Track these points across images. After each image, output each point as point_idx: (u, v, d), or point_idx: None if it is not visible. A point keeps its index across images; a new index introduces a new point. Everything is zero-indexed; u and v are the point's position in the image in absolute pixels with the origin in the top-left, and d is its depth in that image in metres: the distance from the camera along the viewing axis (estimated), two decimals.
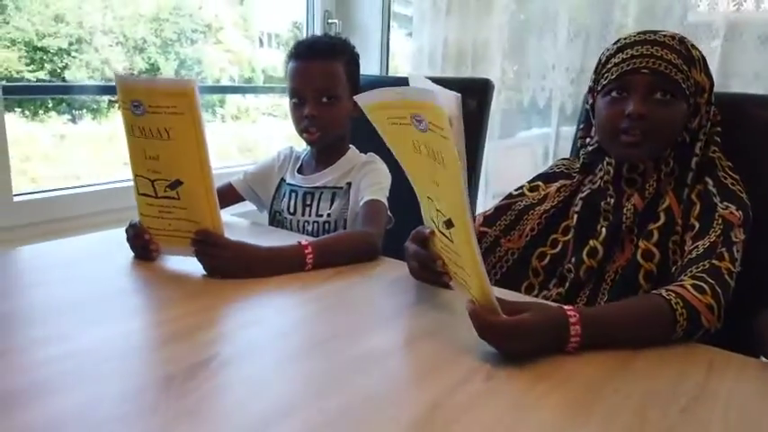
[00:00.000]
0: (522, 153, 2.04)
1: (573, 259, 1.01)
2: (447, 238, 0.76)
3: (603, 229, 1.00)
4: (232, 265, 0.97)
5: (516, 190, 1.15)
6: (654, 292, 0.83)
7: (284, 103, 2.61)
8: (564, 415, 0.63)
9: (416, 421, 0.61)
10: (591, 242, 1.01)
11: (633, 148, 0.96)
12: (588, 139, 1.09)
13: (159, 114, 0.93)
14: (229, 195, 1.34)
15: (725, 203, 0.93)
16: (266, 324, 0.84)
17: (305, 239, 1.05)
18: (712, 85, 1.00)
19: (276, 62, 2.68)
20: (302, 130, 1.26)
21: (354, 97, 0.81)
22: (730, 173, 0.99)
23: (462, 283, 0.79)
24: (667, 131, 0.97)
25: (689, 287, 0.81)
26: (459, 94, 0.64)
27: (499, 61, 1.81)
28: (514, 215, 1.11)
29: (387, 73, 2.24)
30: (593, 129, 1.07)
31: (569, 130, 1.71)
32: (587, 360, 0.74)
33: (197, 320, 0.83)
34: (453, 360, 0.73)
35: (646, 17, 1.60)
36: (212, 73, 2.60)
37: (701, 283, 0.82)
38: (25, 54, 2.04)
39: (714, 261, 0.86)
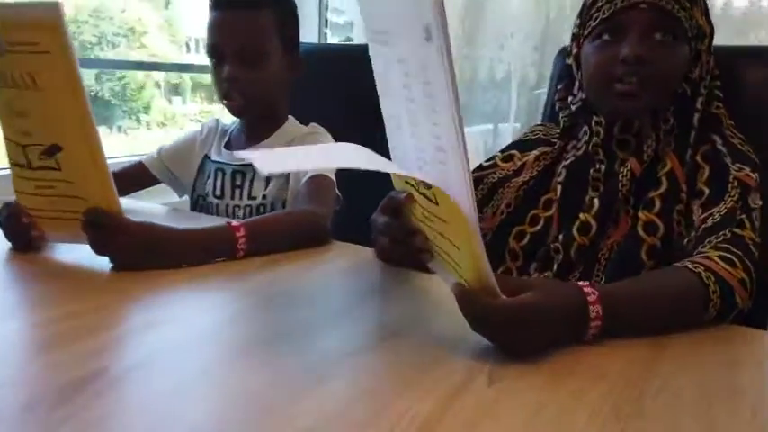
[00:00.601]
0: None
1: (560, 237, 0.86)
2: (431, 200, 0.57)
3: (595, 201, 0.86)
4: (135, 252, 0.75)
5: (487, 161, 0.98)
6: (676, 264, 0.68)
7: (214, 108, 2.49)
8: (602, 424, 0.46)
9: None
10: (581, 216, 0.86)
11: (629, 98, 0.82)
12: (570, 98, 0.94)
13: (20, 54, 0.70)
14: (141, 177, 1.12)
15: (737, 165, 0.80)
16: (180, 325, 0.63)
17: (235, 221, 0.84)
18: (713, 32, 0.87)
19: (204, 68, 2.55)
20: (222, 96, 1.04)
21: None
22: (736, 132, 0.86)
23: (449, 263, 0.60)
24: (668, 79, 0.83)
25: (716, 259, 0.67)
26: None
27: (453, 29, 1.65)
28: (487, 189, 0.95)
29: (326, 41, 2.08)
30: (576, 85, 0.92)
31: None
32: (613, 350, 0.58)
33: (83, 323, 0.61)
34: (442, 361, 0.55)
35: None
36: (136, 78, 2.49)
37: (729, 255, 0.68)
38: None
39: (735, 230, 0.73)
